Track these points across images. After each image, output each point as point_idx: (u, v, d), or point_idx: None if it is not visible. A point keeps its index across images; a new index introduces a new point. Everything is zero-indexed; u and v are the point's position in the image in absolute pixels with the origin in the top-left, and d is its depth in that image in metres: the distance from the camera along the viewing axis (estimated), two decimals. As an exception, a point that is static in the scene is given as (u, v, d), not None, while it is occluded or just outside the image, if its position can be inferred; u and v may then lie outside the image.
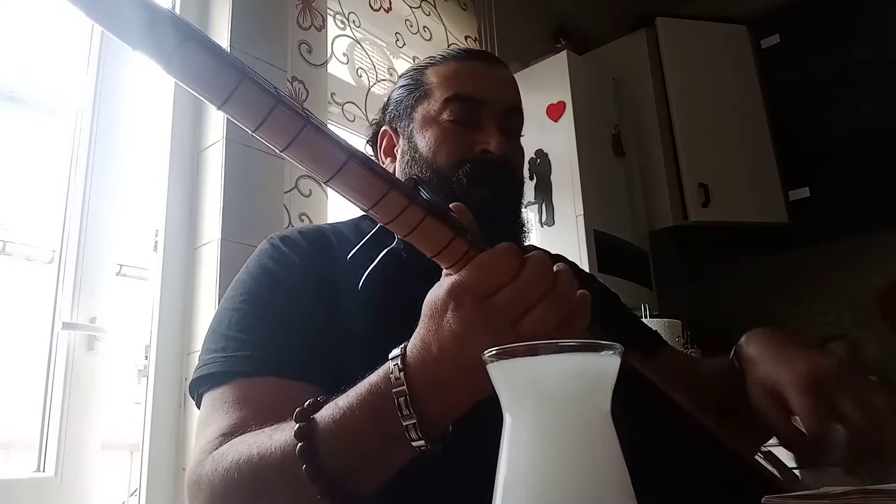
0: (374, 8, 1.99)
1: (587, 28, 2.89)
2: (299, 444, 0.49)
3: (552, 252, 0.99)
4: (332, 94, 1.75)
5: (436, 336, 0.47)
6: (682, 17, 2.62)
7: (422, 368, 0.47)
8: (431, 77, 0.85)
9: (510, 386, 0.34)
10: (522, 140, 0.88)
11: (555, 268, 0.47)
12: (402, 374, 0.47)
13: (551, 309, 0.45)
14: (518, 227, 0.83)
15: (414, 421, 0.47)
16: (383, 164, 0.88)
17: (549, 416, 0.33)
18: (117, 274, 1.36)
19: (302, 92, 1.60)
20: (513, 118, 0.84)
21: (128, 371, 1.31)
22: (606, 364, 0.33)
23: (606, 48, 2.64)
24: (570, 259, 1.00)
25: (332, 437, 0.49)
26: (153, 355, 1.30)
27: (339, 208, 1.63)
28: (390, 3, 2.04)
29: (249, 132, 0.41)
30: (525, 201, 0.87)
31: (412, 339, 0.49)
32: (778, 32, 2.58)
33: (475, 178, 0.77)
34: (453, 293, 0.46)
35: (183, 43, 0.37)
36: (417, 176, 0.47)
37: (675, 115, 2.41)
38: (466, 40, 2.32)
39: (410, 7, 2.13)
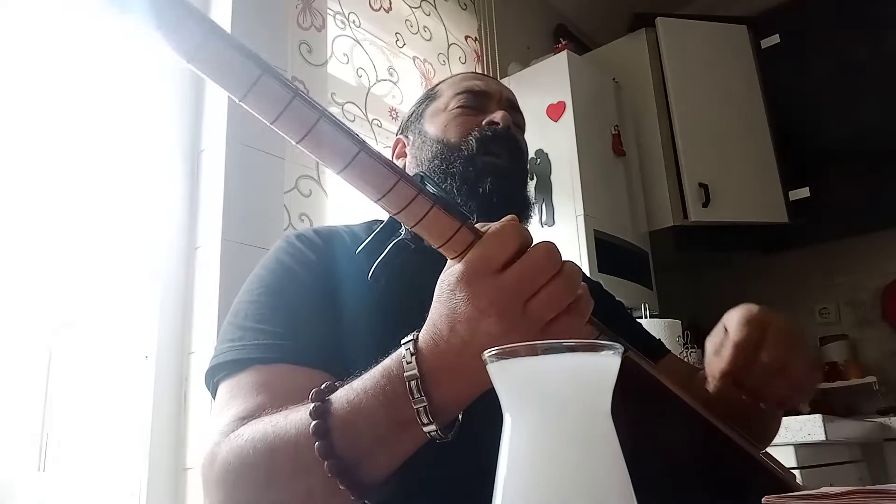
0: (374, 8, 1.99)
1: (587, 28, 2.89)
2: (313, 421, 0.50)
3: None
4: (333, 94, 1.75)
5: (446, 319, 0.47)
6: (682, 17, 2.62)
7: (433, 352, 0.48)
8: (441, 86, 0.95)
9: (510, 386, 0.34)
10: (522, 139, 0.92)
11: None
12: (413, 357, 0.48)
13: (561, 290, 0.45)
14: (523, 204, 0.88)
15: (424, 404, 0.47)
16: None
17: (549, 416, 0.33)
18: (117, 274, 1.36)
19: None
20: (514, 112, 0.91)
21: (128, 371, 1.31)
22: (606, 364, 0.33)
23: (606, 48, 2.64)
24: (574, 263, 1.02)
25: (345, 417, 0.50)
26: (153, 355, 1.30)
27: (340, 209, 1.63)
28: (390, 3, 2.04)
29: (268, 124, 0.42)
30: (530, 191, 0.91)
31: (425, 324, 0.50)
32: (778, 32, 2.58)
33: (483, 143, 0.83)
34: (463, 273, 0.46)
35: (207, 37, 0.39)
36: (424, 173, 0.48)
37: (675, 115, 2.41)
38: (466, 40, 2.32)
39: (410, 7, 2.13)
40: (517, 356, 0.33)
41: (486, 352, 0.34)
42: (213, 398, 0.69)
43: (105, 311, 1.32)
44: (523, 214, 0.87)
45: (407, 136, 0.94)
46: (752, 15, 2.68)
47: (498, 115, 0.86)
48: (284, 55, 1.58)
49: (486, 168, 0.82)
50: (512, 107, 0.91)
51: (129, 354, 1.31)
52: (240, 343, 0.66)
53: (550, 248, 0.47)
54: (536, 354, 0.33)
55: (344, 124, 0.44)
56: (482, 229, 0.47)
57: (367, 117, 1.84)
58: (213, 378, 0.69)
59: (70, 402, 1.25)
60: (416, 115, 0.94)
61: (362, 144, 0.44)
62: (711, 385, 0.64)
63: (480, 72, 2.29)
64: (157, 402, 1.28)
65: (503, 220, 0.48)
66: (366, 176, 0.44)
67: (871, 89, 2.40)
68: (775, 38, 2.59)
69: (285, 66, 1.57)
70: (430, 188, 0.46)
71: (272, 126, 0.43)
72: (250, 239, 1.37)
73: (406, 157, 0.93)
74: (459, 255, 0.47)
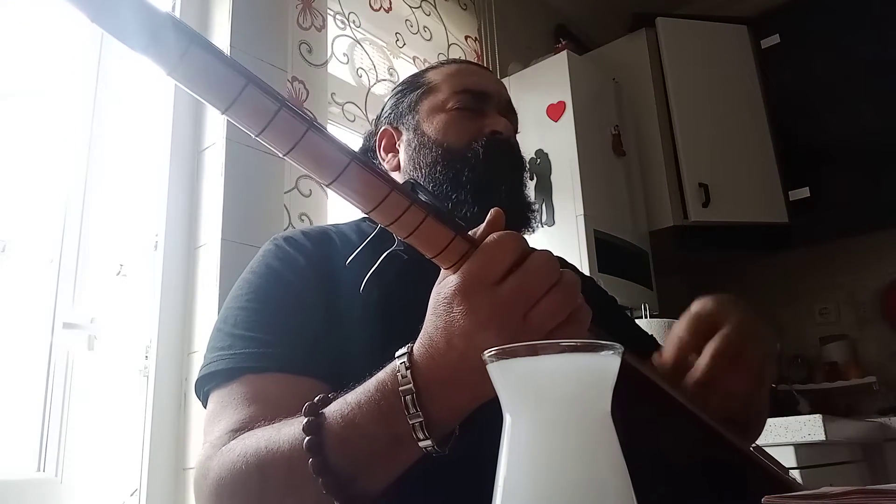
0: (374, 8, 1.99)
1: (587, 28, 2.89)
2: (307, 437, 0.49)
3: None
4: (333, 94, 1.75)
5: (443, 332, 0.46)
6: (682, 17, 2.62)
7: (428, 366, 0.47)
8: (434, 76, 0.89)
9: (510, 386, 0.34)
10: (522, 140, 0.91)
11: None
12: (408, 372, 0.47)
13: (560, 300, 0.45)
14: (529, 210, 0.87)
15: (420, 420, 0.47)
16: (383, 161, 0.90)
17: (549, 416, 0.32)
18: (117, 274, 1.36)
19: (302, 92, 1.60)
20: (510, 114, 0.89)
21: (128, 371, 1.31)
22: (606, 364, 0.33)
23: (606, 48, 2.64)
24: (568, 261, 1.01)
25: (339, 432, 0.49)
26: (153, 355, 1.30)
27: (340, 208, 1.63)
28: (390, 3, 2.04)
29: (253, 136, 0.41)
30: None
31: (419, 337, 0.49)
32: (778, 32, 2.58)
33: (490, 152, 0.81)
34: (460, 285, 0.45)
35: (188, 48, 0.38)
36: (415, 181, 0.48)
37: (675, 115, 2.41)
38: (466, 40, 2.32)
39: (410, 7, 2.13)
40: (517, 356, 0.33)
41: (485, 352, 0.34)
42: (204, 407, 0.68)
43: (105, 311, 1.32)
44: (528, 220, 0.86)
45: (397, 129, 0.89)
46: (752, 15, 2.68)
47: (500, 125, 0.84)
48: (284, 55, 1.58)
49: (497, 181, 0.80)
50: (509, 109, 0.89)
51: (130, 354, 1.31)
52: (229, 352, 0.65)
53: (549, 258, 0.46)
54: (536, 354, 0.32)
55: (333, 135, 0.43)
56: (476, 237, 0.47)
57: (367, 117, 1.84)
58: (204, 388, 0.67)
59: (70, 401, 1.25)
60: (409, 106, 0.88)
61: (353, 155, 0.42)
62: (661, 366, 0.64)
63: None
64: (157, 401, 1.28)
65: (492, 219, 0.47)
66: (357, 187, 0.43)
67: (871, 89, 2.40)
68: (775, 38, 2.58)
69: (285, 66, 1.57)
70: (422, 196, 0.45)
71: (258, 138, 0.41)
72: (250, 239, 1.37)
73: (397, 152, 0.88)
74: (454, 266, 0.46)
